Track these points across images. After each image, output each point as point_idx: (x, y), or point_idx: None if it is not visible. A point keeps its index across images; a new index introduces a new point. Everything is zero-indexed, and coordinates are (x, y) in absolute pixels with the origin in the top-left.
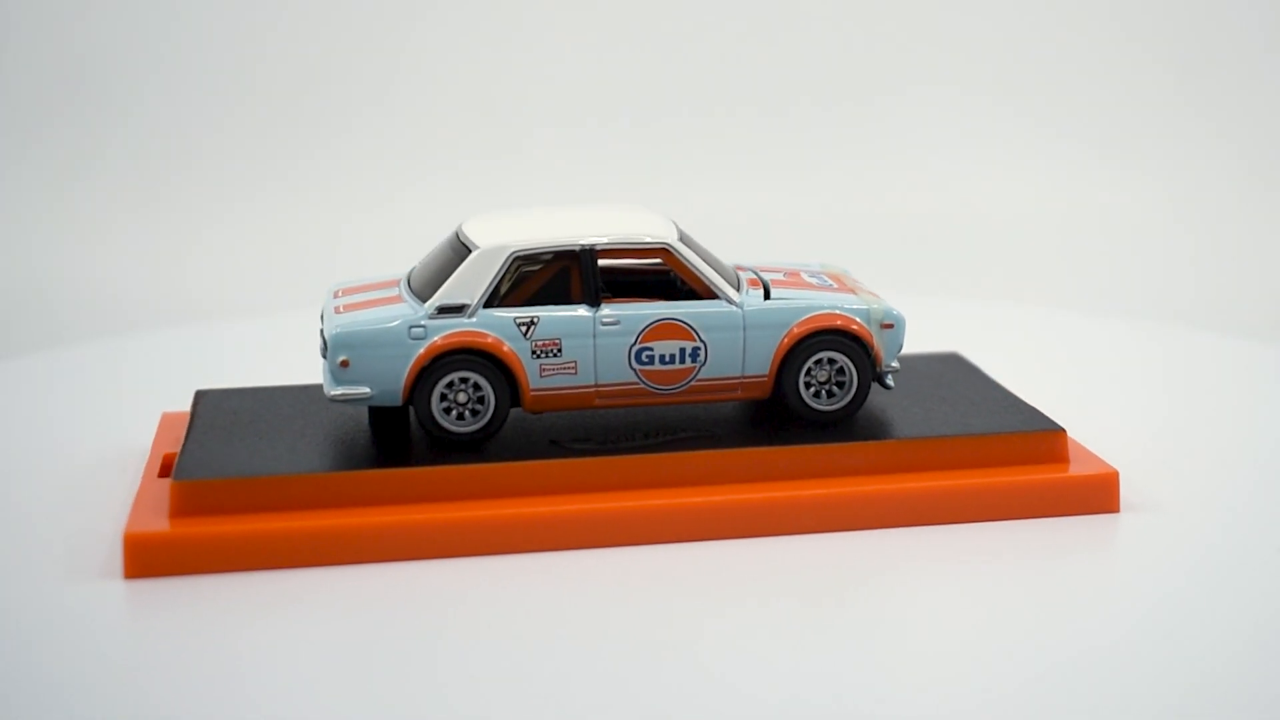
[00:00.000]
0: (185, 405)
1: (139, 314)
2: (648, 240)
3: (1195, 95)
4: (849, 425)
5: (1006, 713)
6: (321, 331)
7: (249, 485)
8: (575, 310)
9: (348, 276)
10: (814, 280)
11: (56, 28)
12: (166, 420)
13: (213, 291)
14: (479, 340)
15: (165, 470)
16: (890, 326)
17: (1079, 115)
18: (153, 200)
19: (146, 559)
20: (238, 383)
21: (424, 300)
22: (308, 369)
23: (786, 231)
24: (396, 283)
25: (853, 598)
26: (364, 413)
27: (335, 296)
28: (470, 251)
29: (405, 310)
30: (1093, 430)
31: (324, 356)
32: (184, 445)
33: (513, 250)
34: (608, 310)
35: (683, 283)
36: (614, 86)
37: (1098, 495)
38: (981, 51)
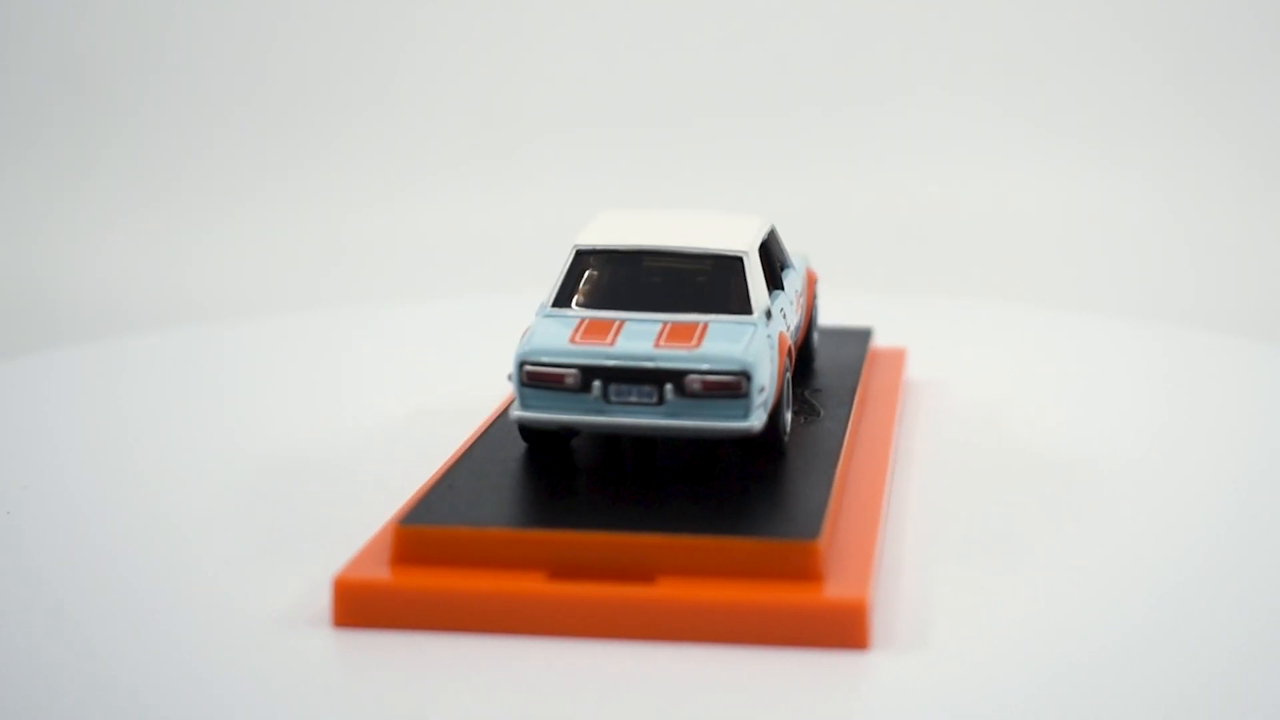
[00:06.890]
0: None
1: (139, 314)
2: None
3: (1195, 95)
4: None
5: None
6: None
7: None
8: (781, 297)
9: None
10: None
11: (57, 28)
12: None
13: (212, 292)
14: (789, 340)
15: (615, 578)
16: None
17: (1079, 115)
18: (152, 200)
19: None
20: (236, 383)
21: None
22: (307, 371)
23: (781, 231)
24: (607, 321)
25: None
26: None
27: (608, 340)
28: (728, 259)
29: (733, 325)
30: (1093, 431)
31: (686, 395)
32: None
33: (758, 249)
34: (779, 295)
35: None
36: (611, 88)
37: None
38: (981, 52)
